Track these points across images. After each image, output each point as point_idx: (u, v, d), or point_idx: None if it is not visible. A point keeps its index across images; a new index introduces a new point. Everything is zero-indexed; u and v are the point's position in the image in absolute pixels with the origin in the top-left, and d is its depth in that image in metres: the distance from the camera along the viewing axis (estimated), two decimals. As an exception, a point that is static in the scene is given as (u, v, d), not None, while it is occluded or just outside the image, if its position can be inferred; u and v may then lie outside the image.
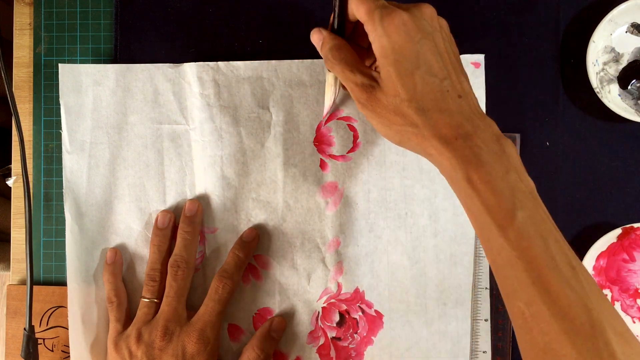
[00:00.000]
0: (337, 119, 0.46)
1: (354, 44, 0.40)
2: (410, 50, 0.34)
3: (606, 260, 0.45)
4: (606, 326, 0.29)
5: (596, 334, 0.29)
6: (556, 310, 0.29)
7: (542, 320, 0.30)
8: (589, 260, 0.45)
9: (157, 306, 0.44)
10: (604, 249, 0.45)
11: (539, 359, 0.30)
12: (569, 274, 0.30)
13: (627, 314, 0.46)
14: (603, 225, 0.46)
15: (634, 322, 0.45)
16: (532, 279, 0.30)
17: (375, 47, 0.35)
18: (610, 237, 0.44)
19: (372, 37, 0.35)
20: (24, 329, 0.45)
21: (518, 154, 0.34)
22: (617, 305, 0.46)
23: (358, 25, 0.39)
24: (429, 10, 0.35)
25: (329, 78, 0.43)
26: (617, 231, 0.44)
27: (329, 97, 0.44)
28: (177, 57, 0.47)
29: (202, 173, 0.47)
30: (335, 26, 0.38)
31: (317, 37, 0.39)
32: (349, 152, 0.46)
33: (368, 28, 0.35)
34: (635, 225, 0.44)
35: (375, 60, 0.36)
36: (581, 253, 0.45)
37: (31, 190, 0.47)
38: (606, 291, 0.46)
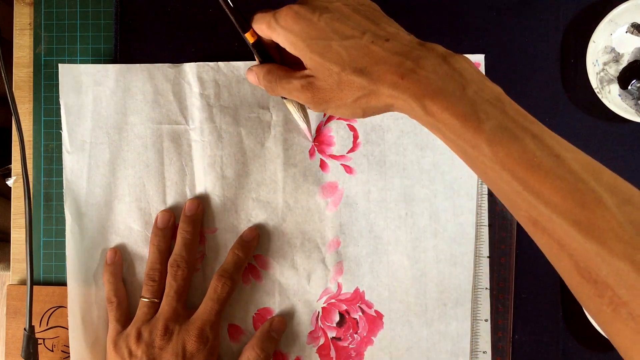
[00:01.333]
0: (337, 119, 0.46)
1: (288, 65, 0.40)
2: (314, 29, 0.34)
3: None
4: (603, 194, 0.28)
5: (585, 189, 0.28)
6: (553, 207, 0.28)
7: (546, 219, 0.29)
8: None
9: (157, 306, 0.44)
10: None
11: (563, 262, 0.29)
12: (554, 164, 0.29)
13: None
14: None
15: None
16: (522, 185, 0.29)
17: (288, 48, 0.36)
18: None
19: (281, 42, 0.36)
20: (24, 329, 0.45)
21: (472, 65, 0.33)
22: None
23: (279, 47, 0.40)
24: None
25: (288, 106, 0.43)
26: None
27: (300, 121, 0.44)
28: (177, 57, 0.47)
29: (202, 173, 0.47)
30: (261, 59, 0.40)
31: (252, 77, 0.40)
32: (349, 152, 0.46)
33: (274, 37, 0.36)
34: None
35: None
36: None
37: (31, 190, 0.47)
38: None
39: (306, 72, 0.36)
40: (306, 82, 0.36)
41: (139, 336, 0.42)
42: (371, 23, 0.35)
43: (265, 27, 0.37)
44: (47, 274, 0.48)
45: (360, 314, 0.47)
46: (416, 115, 0.33)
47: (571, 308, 0.46)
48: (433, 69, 0.32)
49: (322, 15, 0.34)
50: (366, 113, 0.36)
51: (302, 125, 0.44)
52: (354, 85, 0.34)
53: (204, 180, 0.46)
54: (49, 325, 0.48)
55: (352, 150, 0.46)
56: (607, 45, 0.45)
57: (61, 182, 0.47)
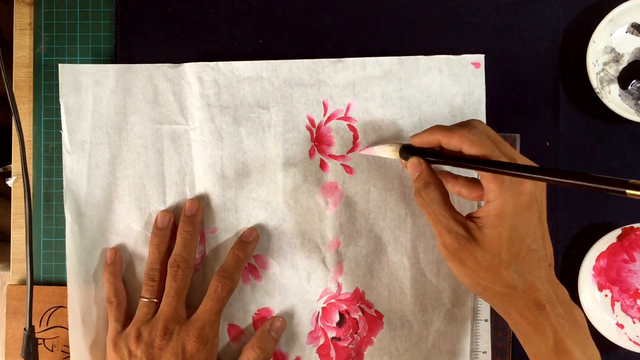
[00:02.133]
0: (337, 119, 0.46)
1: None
2: (527, 220, 0.35)
3: (606, 260, 0.45)
4: None
5: None
6: None
7: None
8: (589, 260, 0.45)
9: (157, 306, 0.44)
10: (604, 249, 0.45)
11: None
12: None
13: (628, 314, 0.46)
14: (603, 225, 0.46)
15: (634, 323, 0.45)
16: None
17: (494, 206, 0.35)
18: (610, 238, 0.44)
19: (492, 196, 0.35)
20: (24, 329, 0.45)
21: (584, 320, 0.37)
22: (617, 306, 0.46)
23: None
24: (540, 186, 0.36)
25: (395, 150, 0.42)
26: (617, 232, 0.44)
27: (384, 152, 0.43)
28: (177, 57, 0.47)
29: (202, 173, 0.47)
30: (436, 160, 0.38)
31: (416, 168, 0.39)
32: (349, 152, 0.46)
33: (489, 185, 0.35)
34: (635, 225, 0.44)
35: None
36: (581, 254, 0.45)
37: (31, 190, 0.47)
38: (606, 291, 0.46)
39: (471, 226, 0.36)
40: (464, 235, 0.36)
41: (138, 336, 0.42)
42: (547, 240, 0.37)
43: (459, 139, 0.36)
44: (47, 274, 0.48)
45: (360, 314, 0.47)
46: (535, 342, 0.36)
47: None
48: (565, 311, 0.36)
49: (537, 211, 0.36)
50: (480, 295, 0.38)
51: (375, 152, 0.44)
52: (504, 280, 0.35)
53: (204, 180, 0.46)
54: (49, 325, 0.48)
55: (352, 150, 0.46)
56: (607, 45, 0.45)
57: (61, 182, 0.47)
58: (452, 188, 0.40)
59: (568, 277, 0.46)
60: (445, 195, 0.37)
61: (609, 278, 0.46)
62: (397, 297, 0.46)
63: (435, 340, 0.46)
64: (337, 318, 0.47)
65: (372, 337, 0.47)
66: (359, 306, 0.47)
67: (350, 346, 0.47)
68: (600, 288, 0.46)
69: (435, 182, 0.38)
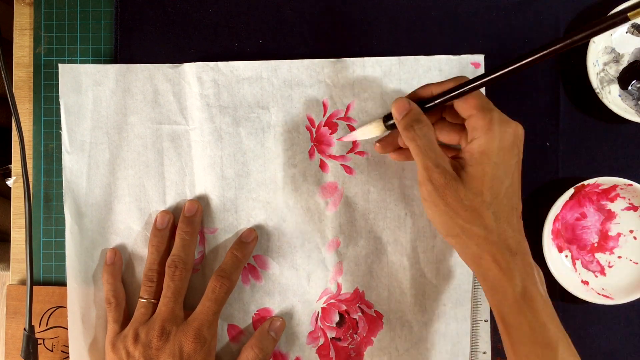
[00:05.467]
0: (337, 119, 0.46)
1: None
2: (508, 161, 0.36)
3: (560, 222, 0.46)
4: None
5: None
6: None
7: None
8: (548, 225, 0.45)
9: (155, 306, 0.44)
10: (559, 211, 0.45)
11: None
12: None
13: (589, 270, 0.46)
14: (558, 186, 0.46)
15: (597, 277, 0.46)
16: None
17: (479, 143, 0.36)
18: (564, 199, 0.44)
19: (478, 133, 0.36)
20: (24, 329, 0.45)
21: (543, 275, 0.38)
22: (579, 264, 0.46)
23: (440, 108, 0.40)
24: (522, 130, 0.37)
25: (378, 124, 0.42)
26: (570, 191, 0.44)
27: (365, 134, 0.43)
28: (177, 57, 0.47)
29: (202, 173, 0.47)
30: (432, 103, 0.39)
31: (402, 106, 0.39)
32: (348, 152, 0.46)
33: (477, 123, 0.36)
34: (586, 182, 0.44)
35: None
36: (542, 218, 0.45)
37: (31, 190, 0.47)
38: (566, 252, 0.46)
39: (455, 164, 0.37)
40: (450, 171, 0.36)
41: (136, 337, 0.42)
42: (519, 192, 0.38)
43: (473, 107, 0.37)
44: (47, 274, 0.48)
45: (359, 314, 0.47)
46: (501, 288, 0.36)
47: (570, 308, 0.46)
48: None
49: (518, 156, 0.37)
50: (451, 236, 0.38)
51: (360, 136, 0.44)
52: (482, 220, 0.36)
53: (204, 180, 0.46)
54: (49, 326, 0.48)
55: (351, 150, 0.46)
56: (607, 45, 0.45)
57: (61, 182, 0.47)
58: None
59: (530, 245, 0.46)
60: (434, 134, 0.38)
61: (566, 238, 0.46)
62: (396, 297, 0.46)
63: (435, 341, 0.46)
64: (336, 318, 0.47)
65: (372, 338, 0.47)
66: (358, 306, 0.47)
67: (350, 346, 0.47)
68: (560, 250, 0.46)
69: (426, 119, 0.38)
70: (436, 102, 0.38)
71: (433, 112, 0.40)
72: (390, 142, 0.43)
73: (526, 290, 0.35)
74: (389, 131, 0.42)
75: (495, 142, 0.35)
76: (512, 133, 0.36)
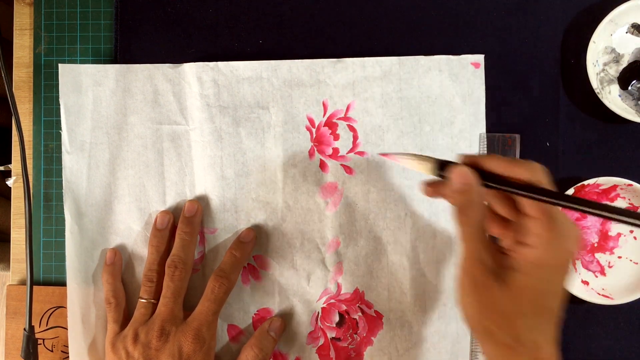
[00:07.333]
0: (337, 119, 0.46)
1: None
2: (559, 278, 0.32)
3: None
4: None
5: None
6: None
7: None
8: None
9: (155, 307, 0.44)
10: None
11: None
12: None
13: (589, 270, 0.46)
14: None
15: (597, 277, 0.46)
16: None
17: (536, 254, 0.32)
18: None
19: (536, 242, 0.32)
20: (24, 329, 0.45)
21: None
22: (579, 264, 0.46)
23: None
24: (580, 234, 0.34)
25: (429, 168, 0.35)
26: (570, 191, 0.44)
27: (412, 166, 0.37)
28: (177, 57, 0.47)
29: (202, 173, 0.47)
30: (495, 185, 0.33)
31: (464, 179, 0.33)
32: (348, 152, 0.46)
33: (538, 231, 0.32)
34: (586, 182, 0.44)
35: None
36: None
37: (31, 190, 0.47)
38: None
39: (504, 263, 0.33)
40: (492, 269, 0.32)
41: (135, 337, 0.42)
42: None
43: (538, 211, 0.31)
44: (46, 274, 0.48)
45: (359, 314, 0.47)
46: None
47: (570, 308, 0.46)
48: None
49: (569, 269, 0.33)
50: (475, 333, 0.35)
51: (405, 163, 0.37)
52: (513, 330, 0.32)
53: (204, 180, 0.46)
54: (49, 326, 0.48)
55: (351, 150, 0.46)
56: (608, 45, 0.45)
57: (61, 182, 0.47)
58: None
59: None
60: (486, 219, 0.34)
61: None
62: (396, 297, 0.46)
63: (435, 341, 0.46)
64: (336, 318, 0.47)
65: (372, 338, 0.47)
66: (358, 306, 0.47)
67: (350, 346, 0.47)
68: None
69: (483, 204, 0.33)
70: (501, 188, 0.33)
71: None
72: (439, 191, 0.36)
73: None
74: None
75: (553, 258, 0.32)
76: (569, 251, 0.32)
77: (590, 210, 0.30)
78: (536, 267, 0.32)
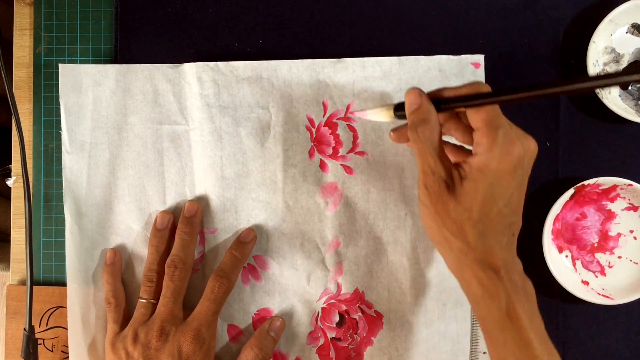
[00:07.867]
0: (337, 119, 0.46)
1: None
2: (507, 182, 0.34)
3: (561, 222, 0.46)
4: None
5: None
6: None
7: None
8: (548, 225, 0.45)
9: (154, 307, 0.44)
10: (559, 211, 0.45)
11: None
12: None
13: (589, 270, 0.46)
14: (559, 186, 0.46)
15: (597, 277, 0.46)
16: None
17: (479, 160, 0.34)
18: (564, 199, 0.44)
19: (480, 150, 0.35)
20: (24, 329, 0.45)
21: (534, 293, 0.37)
22: (579, 264, 0.46)
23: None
24: (534, 148, 0.35)
25: (389, 110, 0.40)
26: (570, 191, 0.44)
27: (376, 116, 0.41)
28: (177, 57, 0.47)
29: (202, 173, 0.47)
30: (444, 106, 0.36)
31: (413, 100, 0.36)
32: (348, 152, 0.46)
33: (481, 139, 0.34)
34: (586, 182, 0.44)
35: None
36: (542, 218, 0.45)
37: (31, 190, 0.47)
38: (566, 252, 0.46)
39: (454, 174, 0.35)
40: (446, 180, 0.35)
41: (135, 337, 0.42)
42: (520, 210, 0.37)
43: (481, 122, 0.34)
44: (47, 274, 0.48)
45: (359, 314, 0.47)
46: (486, 305, 0.36)
47: (570, 308, 0.46)
48: (520, 279, 0.36)
49: (520, 176, 0.35)
50: (438, 245, 0.38)
51: (372, 117, 0.41)
52: (466, 236, 0.35)
53: (204, 180, 0.46)
54: (49, 326, 0.48)
55: (351, 150, 0.46)
56: (608, 45, 0.45)
57: (61, 182, 0.47)
58: (446, 130, 0.39)
59: (531, 246, 0.45)
60: (440, 136, 0.36)
61: (566, 239, 0.47)
62: (396, 297, 0.46)
63: (435, 341, 0.46)
64: (336, 318, 0.47)
65: (372, 338, 0.47)
66: (358, 306, 0.47)
67: (350, 346, 0.47)
68: (560, 250, 0.46)
69: (434, 121, 0.36)
70: (447, 106, 0.36)
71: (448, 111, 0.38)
72: (404, 132, 0.40)
73: (510, 309, 0.34)
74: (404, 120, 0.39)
75: (494, 162, 0.34)
76: (516, 154, 0.34)
77: (519, 95, 0.32)
78: (480, 172, 0.34)
